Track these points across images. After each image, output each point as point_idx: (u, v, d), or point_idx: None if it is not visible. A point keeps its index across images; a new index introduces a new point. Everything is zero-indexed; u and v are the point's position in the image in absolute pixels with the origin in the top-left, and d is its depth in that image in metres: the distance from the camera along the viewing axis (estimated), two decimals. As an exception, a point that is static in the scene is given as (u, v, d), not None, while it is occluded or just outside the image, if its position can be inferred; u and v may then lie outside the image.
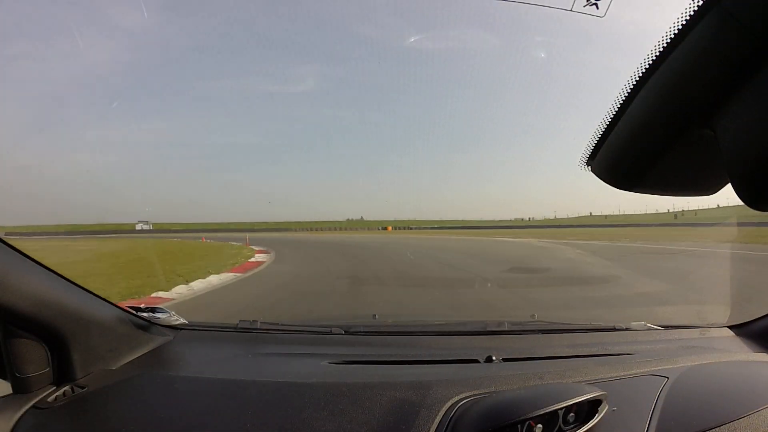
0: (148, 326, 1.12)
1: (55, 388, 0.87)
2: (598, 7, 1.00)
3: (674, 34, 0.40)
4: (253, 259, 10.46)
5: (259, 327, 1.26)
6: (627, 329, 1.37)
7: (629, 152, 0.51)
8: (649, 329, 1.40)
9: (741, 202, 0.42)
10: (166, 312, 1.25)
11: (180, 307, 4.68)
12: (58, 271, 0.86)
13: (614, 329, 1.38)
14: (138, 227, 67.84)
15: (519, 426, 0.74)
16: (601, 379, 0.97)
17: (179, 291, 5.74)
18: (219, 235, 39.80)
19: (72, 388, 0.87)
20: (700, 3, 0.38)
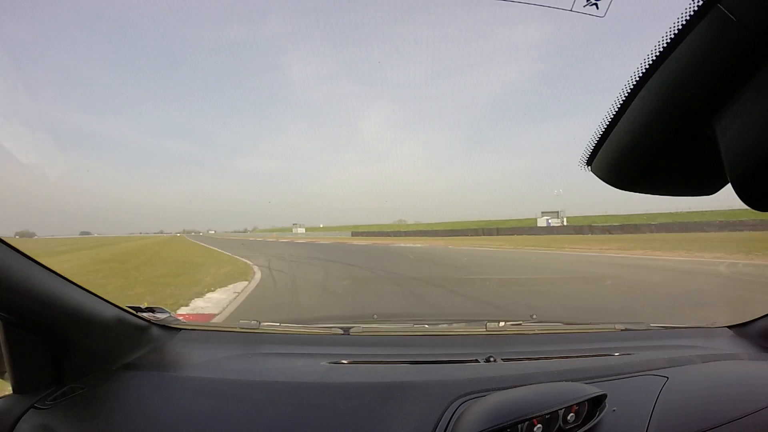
0: (147, 326, 1.12)
1: (55, 388, 0.87)
2: (598, 7, 1.00)
3: (674, 34, 0.41)
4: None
5: (258, 327, 1.26)
6: (627, 329, 1.37)
7: (629, 152, 0.51)
8: (649, 329, 1.40)
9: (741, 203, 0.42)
10: (165, 312, 1.25)
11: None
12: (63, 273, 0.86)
13: (614, 329, 1.38)
14: (542, 223, 39.94)
15: (519, 426, 0.74)
16: (601, 379, 0.97)
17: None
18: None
19: (72, 388, 0.87)
20: (700, 3, 0.38)
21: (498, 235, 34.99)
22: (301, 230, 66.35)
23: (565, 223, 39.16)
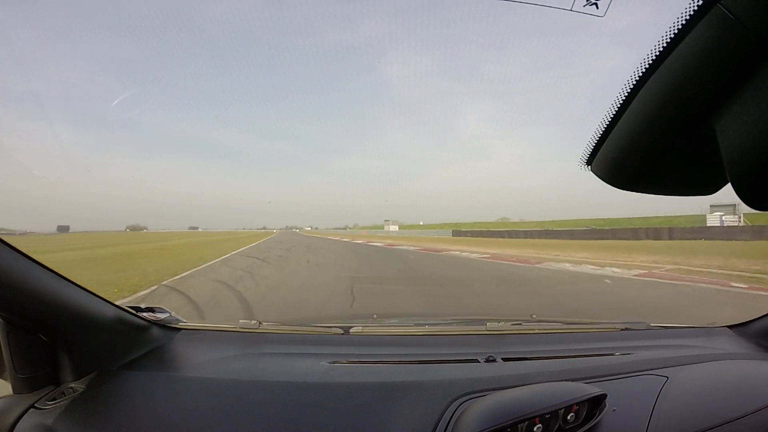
0: (148, 326, 1.12)
1: (54, 388, 0.87)
2: (598, 7, 0.99)
3: (674, 33, 0.41)
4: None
5: (259, 327, 1.26)
6: (627, 329, 1.37)
7: (629, 152, 0.51)
8: (649, 329, 1.40)
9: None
10: (166, 312, 1.25)
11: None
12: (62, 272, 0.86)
13: (614, 329, 1.38)
14: (713, 221, 27.63)
15: (519, 426, 0.74)
16: (601, 378, 0.97)
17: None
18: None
19: (72, 388, 0.87)
20: (700, 3, 0.38)
21: (671, 239, 22.74)
22: (394, 228, 61.31)
23: (742, 222, 26.40)
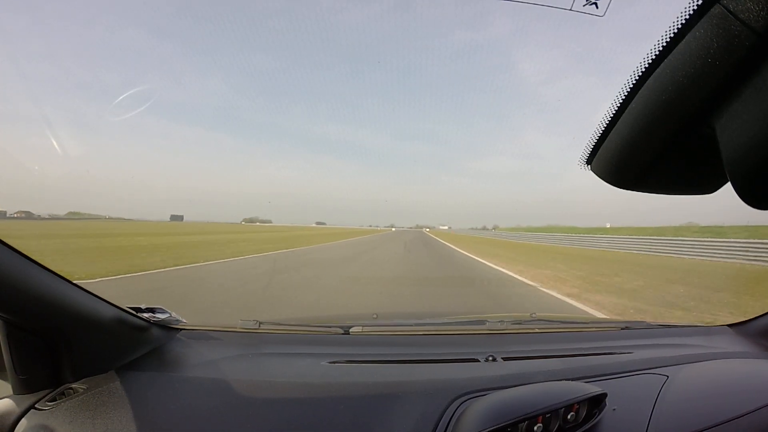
0: (148, 326, 1.12)
1: (55, 388, 0.87)
2: (597, 7, 1.00)
3: (674, 33, 0.41)
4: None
5: (259, 327, 1.26)
6: (627, 328, 1.38)
7: (629, 151, 0.51)
8: (649, 328, 1.40)
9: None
10: (166, 312, 1.25)
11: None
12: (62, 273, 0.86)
13: (614, 328, 1.38)
14: None
15: (519, 425, 0.74)
16: (601, 377, 0.97)
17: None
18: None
19: (72, 389, 0.87)
20: (700, 2, 0.38)
21: None
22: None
23: None
